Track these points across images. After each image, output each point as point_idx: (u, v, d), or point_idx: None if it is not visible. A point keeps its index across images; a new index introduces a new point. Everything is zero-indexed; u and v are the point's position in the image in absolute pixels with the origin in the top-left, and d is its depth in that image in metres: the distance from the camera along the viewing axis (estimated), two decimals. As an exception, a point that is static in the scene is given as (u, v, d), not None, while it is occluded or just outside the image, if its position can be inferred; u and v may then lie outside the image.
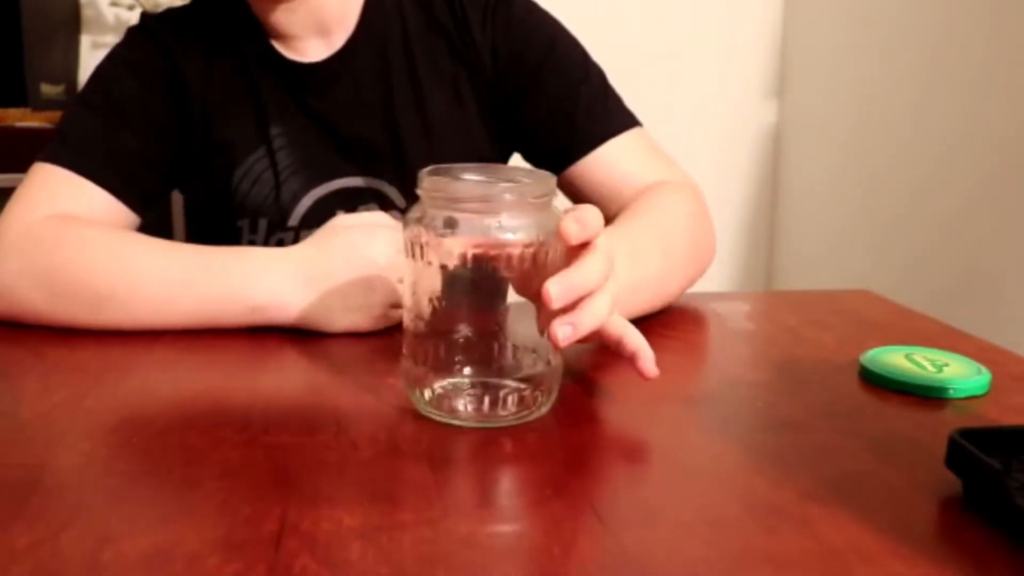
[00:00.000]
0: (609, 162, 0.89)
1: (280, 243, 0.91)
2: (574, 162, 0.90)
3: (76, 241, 0.75)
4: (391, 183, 0.92)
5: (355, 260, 0.71)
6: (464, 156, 0.91)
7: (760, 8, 2.15)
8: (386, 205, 0.92)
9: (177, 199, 1.77)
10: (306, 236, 0.83)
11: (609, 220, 0.82)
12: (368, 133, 0.92)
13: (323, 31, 0.92)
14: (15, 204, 0.79)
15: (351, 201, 0.92)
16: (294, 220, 0.92)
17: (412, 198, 0.60)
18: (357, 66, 0.92)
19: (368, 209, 0.91)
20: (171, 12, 0.94)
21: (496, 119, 0.95)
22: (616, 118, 0.92)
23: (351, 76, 0.92)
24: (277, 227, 0.92)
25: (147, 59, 0.90)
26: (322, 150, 0.92)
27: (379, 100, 0.92)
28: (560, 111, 0.91)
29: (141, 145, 0.88)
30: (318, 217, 0.88)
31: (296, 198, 0.91)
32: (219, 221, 0.93)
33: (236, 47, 0.92)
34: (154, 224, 0.87)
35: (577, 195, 0.92)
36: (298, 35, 0.91)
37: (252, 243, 0.92)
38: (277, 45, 0.92)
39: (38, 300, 0.73)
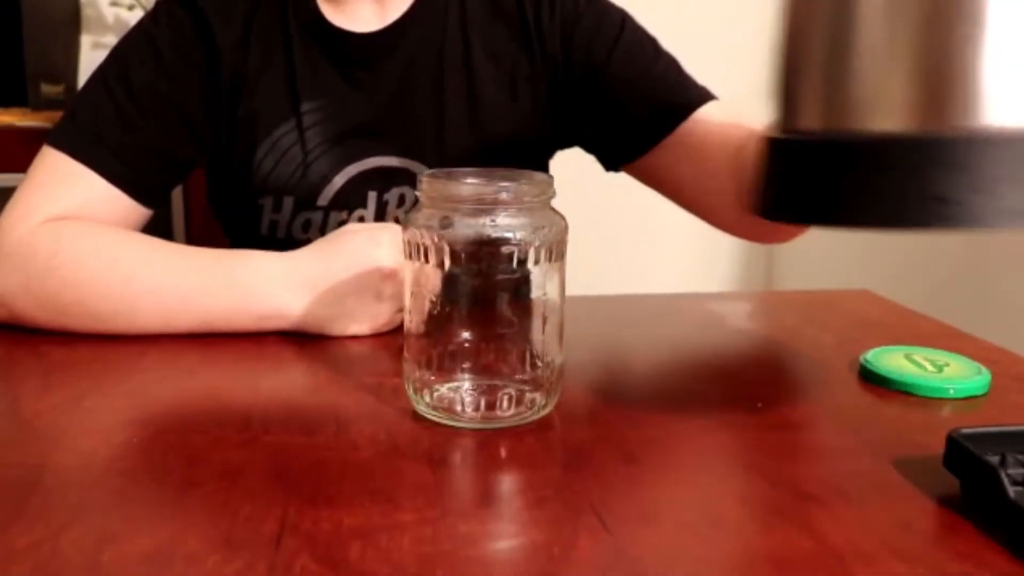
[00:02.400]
0: (706, 128, 0.84)
1: (307, 223, 0.89)
2: (661, 138, 0.86)
3: (72, 260, 0.73)
4: (427, 165, 0.89)
5: (360, 266, 0.71)
6: (508, 146, 0.89)
7: (760, 8, 2.15)
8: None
9: (178, 198, 1.77)
10: (336, 216, 0.81)
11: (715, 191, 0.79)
12: (412, 113, 0.89)
13: None
14: (16, 203, 0.77)
15: (384, 181, 0.89)
16: (324, 200, 0.88)
17: None
18: (413, 41, 0.89)
19: (400, 190, 0.89)
20: None
21: (557, 110, 0.91)
22: (698, 89, 0.88)
23: (405, 51, 0.88)
24: (304, 206, 0.88)
25: (177, 37, 0.85)
26: (359, 126, 0.88)
27: (429, 80, 0.89)
28: (637, 91, 0.87)
29: (156, 137, 0.83)
30: (349, 197, 0.87)
31: (327, 178, 0.88)
32: (238, 198, 0.90)
33: (279, 9, 0.87)
34: (154, 222, 0.85)
35: (670, 176, 0.88)
36: None
37: (275, 222, 0.89)
38: (324, 8, 0.87)
39: (37, 315, 0.73)
